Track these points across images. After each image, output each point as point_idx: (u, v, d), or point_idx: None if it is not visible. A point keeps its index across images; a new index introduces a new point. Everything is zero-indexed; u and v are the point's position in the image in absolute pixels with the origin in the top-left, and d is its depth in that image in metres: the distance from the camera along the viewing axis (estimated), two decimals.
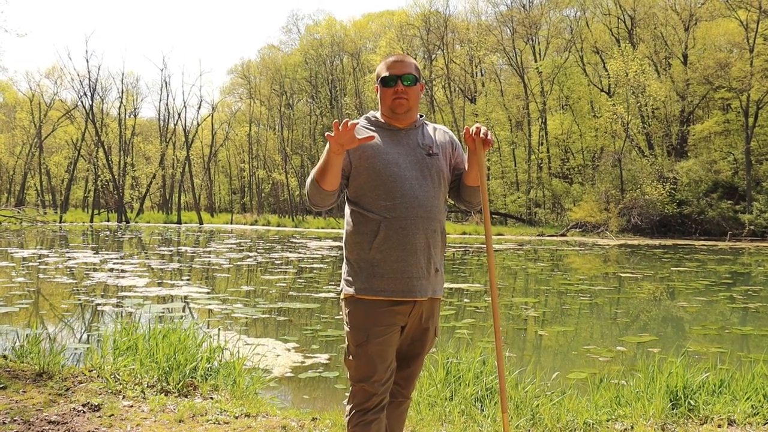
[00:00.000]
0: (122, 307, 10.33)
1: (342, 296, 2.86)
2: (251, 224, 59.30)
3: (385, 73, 2.85)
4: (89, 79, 62.63)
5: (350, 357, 2.81)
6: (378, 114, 2.93)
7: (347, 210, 2.87)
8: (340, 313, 2.90)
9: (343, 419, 2.89)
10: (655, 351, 7.55)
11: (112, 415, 4.25)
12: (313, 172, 2.71)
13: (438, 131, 3.01)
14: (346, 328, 2.83)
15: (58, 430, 3.94)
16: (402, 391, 3.00)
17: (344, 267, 2.87)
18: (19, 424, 3.98)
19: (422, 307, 2.83)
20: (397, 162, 2.79)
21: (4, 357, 5.72)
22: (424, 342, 2.93)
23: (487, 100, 56.33)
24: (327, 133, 2.59)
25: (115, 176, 64.76)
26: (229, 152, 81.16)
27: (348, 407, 2.83)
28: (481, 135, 2.81)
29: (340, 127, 2.54)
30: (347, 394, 2.86)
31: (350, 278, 2.80)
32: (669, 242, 33.38)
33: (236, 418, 4.34)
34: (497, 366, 2.98)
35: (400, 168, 2.79)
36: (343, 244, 2.91)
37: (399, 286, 2.74)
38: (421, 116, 2.97)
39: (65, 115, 68.01)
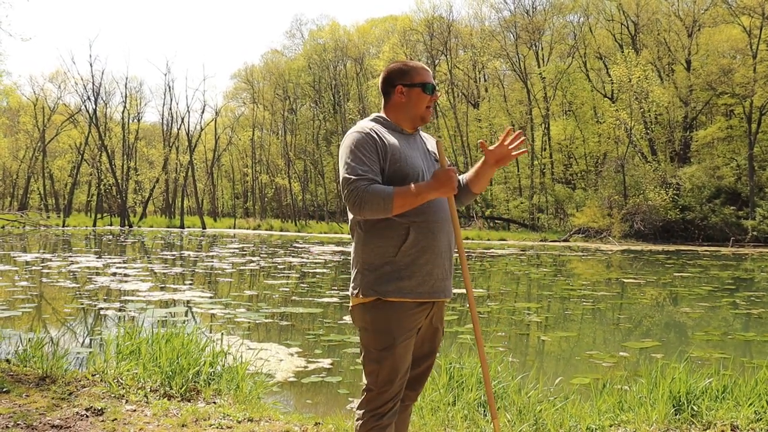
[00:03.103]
0: (125, 311, 10.34)
1: (360, 302, 2.80)
2: (254, 229, 59.35)
3: (429, 80, 2.86)
4: (93, 84, 62.86)
5: (373, 362, 2.77)
6: (386, 116, 2.92)
7: None
8: (357, 320, 2.82)
9: (354, 424, 2.86)
10: (658, 356, 7.55)
11: (115, 419, 4.25)
12: (392, 193, 2.62)
13: (431, 140, 3.07)
14: (366, 334, 2.79)
15: None
16: (410, 394, 3.00)
17: (360, 272, 2.80)
18: (22, 428, 3.98)
19: (435, 308, 2.87)
20: (420, 166, 2.82)
21: (8, 361, 5.73)
22: (434, 342, 2.96)
23: (490, 105, 56.38)
24: (453, 177, 2.64)
25: (119, 180, 64.85)
26: (232, 157, 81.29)
27: (360, 412, 2.80)
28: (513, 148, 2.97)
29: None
30: (352, 399, 2.85)
31: (371, 282, 2.75)
32: (672, 248, 33.34)
33: (239, 422, 4.34)
34: (483, 375, 2.97)
35: (424, 173, 2.81)
36: (357, 249, 2.84)
37: (426, 288, 2.76)
38: None
39: (69, 119, 68.12)
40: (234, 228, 61.64)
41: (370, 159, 2.71)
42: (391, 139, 2.80)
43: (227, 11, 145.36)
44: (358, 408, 2.84)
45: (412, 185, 2.65)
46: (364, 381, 2.83)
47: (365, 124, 2.84)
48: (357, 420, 2.82)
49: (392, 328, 2.74)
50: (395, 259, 2.73)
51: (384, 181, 2.73)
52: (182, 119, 71.24)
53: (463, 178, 3.15)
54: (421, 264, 2.74)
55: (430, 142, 3.05)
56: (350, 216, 2.83)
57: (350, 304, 2.90)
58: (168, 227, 62.14)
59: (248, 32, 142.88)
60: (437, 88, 2.89)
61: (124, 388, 4.93)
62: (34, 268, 17.52)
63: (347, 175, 2.67)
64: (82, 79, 66.37)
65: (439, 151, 2.78)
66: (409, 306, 2.75)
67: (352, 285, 2.86)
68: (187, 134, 67.02)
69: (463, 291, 13.90)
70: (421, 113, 2.87)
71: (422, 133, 3.05)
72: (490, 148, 2.97)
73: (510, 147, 2.97)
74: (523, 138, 3.12)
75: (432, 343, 2.96)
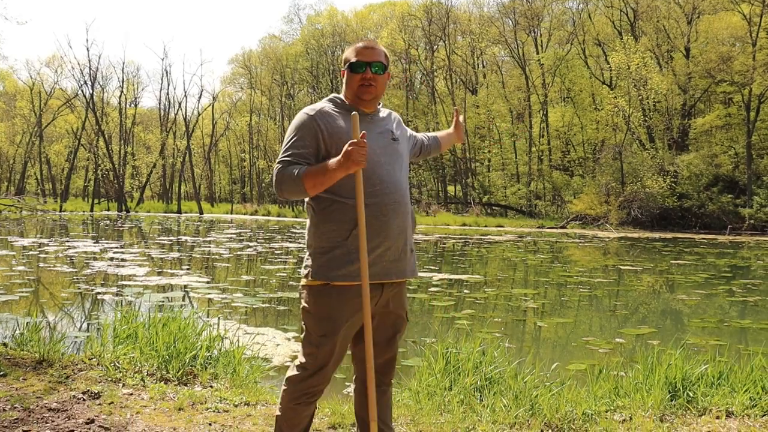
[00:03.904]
0: (122, 295, 10.34)
1: (308, 284, 2.81)
2: (251, 214, 59.30)
3: (353, 59, 2.82)
4: (90, 68, 62.56)
5: (312, 345, 2.79)
6: (342, 96, 2.91)
7: (316, 197, 2.79)
8: (303, 300, 2.85)
9: (280, 395, 2.92)
10: (654, 343, 7.57)
11: (112, 402, 4.25)
12: (302, 173, 2.63)
13: (393, 116, 3.05)
14: (309, 317, 2.80)
15: (58, 417, 3.95)
16: (384, 379, 3.02)
17: (312, 255, 2.81)
18: (19, 411, 3.99)
19: (390, 291, 2.85)
20: (372, 147, 2.77)
21: (5, 345, 5.73)
22: (397, 327, 2.95)
23: (489, 91, 56.24)
24: (353, 151, 2.55)
25: (116, 165, 64.70)
26: (230, 142, 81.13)
27: (291, 387, 2.85)
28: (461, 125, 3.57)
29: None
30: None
31: (322, 266, 2.75)
32: (669, 235, 33.38)
33: (236, 406, 4.35)
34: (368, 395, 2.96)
35: (376, 154, 2.79)
36: (309, 231, 2.84)
37: (377, 270, 2.75)
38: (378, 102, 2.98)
39: (65, 104, 67.90)
40: (231, 213, 61.58)
41: (304, 143, 2.73)
42: (338, 121, 2.79)
43: None
44: (289, 381, 2.87)
45: (323, 163, 2.64)
46: (301, 359, 2.85)
47: (315, 105, 2.85)
48: (284, 391, 2.88)
49: (335, 316, 2.75)
50: (346, 242, 2.72)
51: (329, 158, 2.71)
52: (179, 104, 71.25)
53: (438, 134, 3.49)
54: (373, 247, 2.73)
55: (395, 118, 3.05)
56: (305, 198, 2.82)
57: (300, 284, 2.89)
58: (165, 212, 62.06)
59: (246, 17, 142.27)
60: (372, 65, 2.80)
61: (121, 372, 4.94)
62: (31, 253, 17.50)
63: (278, 158, 2.75)
64: (78, 63, 66.47)
65: (353, 125, 2.70)
66: (357, 290, 2.73)
67: (303, 266, 2.86)
68: (185, 119, 66.85)
69: (460, 277, 13.96)
70: (355, 92, 2.83)
71: (386, 110, 3.04)
72: (461, 119, 3.54)
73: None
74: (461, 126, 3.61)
75: (394, 329, 2.95)
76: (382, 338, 2.94)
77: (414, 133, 3.29)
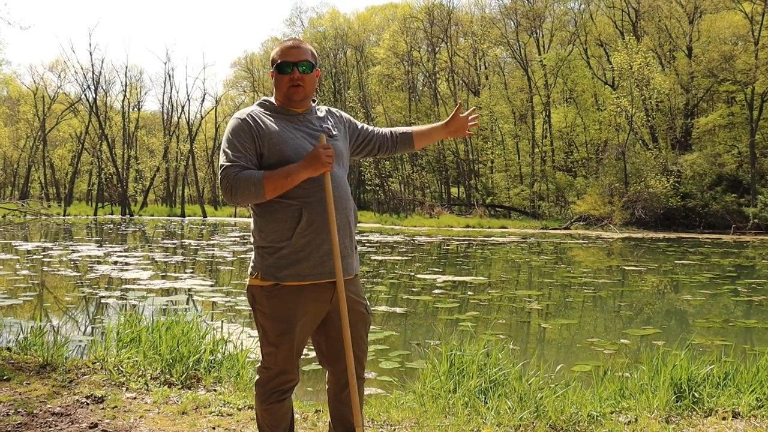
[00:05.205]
0: (126, 299, 10.34)
1: (258, 284, 2.80)
2: None
3: (280, 60, 2.82)
4: (93, 72, 62.71)
5: (272, 345, 2.80)
6: (273, 99, 2.92)
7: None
8: (255, 301, 2.84)
9: (255, 403, 2.94)
10: (659, 344, 7.54)
11: (116, 406, 4.25)
12: (261, 178, 2.64)
13: (330, 113, 3.03)
14: (264, 318, 2.81)
15: (62, 421, 3.94)
16: (358, 371, 3.00)
17: (259, 254, 2.81)
18: (22, 415, 3.98)
19: (345, 289, 2.83)
20: (304, 147, 2.78)
21: (8, 349, 5.73)
22: (359, 323, 2.92)
23: (491, 93, 56.18)
24: (321, 153, 2.62)
25: (119, 169, 64.77)
26: None
27: (261, 389, 2.87)
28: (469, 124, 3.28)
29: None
30: (256, 379, 2.91)
31: (270, 266, 2.75)
32: (673, 235, 33.32)
33: (239, 410, 4.34)
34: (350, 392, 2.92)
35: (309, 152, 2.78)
36: (254, 231, 2.85)
37: (326, 268, 2.75)
38: (314, 101, 2.97)
39: (69, 108, 67.98)
40: (235, 216, 61.54)
41: (244, 145, 2.72)
42: (270, 122, 2.79)
43: None
44: (257, 385, 2.89)
45: (285, 167, 2.66)
46: (262, 361, 2.87)
47: (245, 110, 2.86)
48: (256, 396, 2.90)
49: (290, 316, 2.75)
50: (291, 241, 2.72)
51: (265, 165, 2.73)
52: (182, 108, 71.08)
53: (410, 129, 3.30)
54: (318, 244, 2.73)
55: (334, 115, 3.03)
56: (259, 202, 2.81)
57: (247, 282, 2.89)
58: (169, 216, 62.07)
59: (248, 20, 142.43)
60: (299, 65, 2.80)
61: (124, 376, 4.93)
62: (35, 257, 17.52)
63: (221, 163, 2.72)
64: (81, 68, 66.45)
65: (320, 141, 2.75)
66: (309, 289, 2.75)
67: (251, 265, 2.86)
68: (188, 123, 66.89)
69: (464, 279, 13.93)
70: (285, 92, 2.84)
71: (324, 107, 3.02)
72: (461, 114, 3.24)
73: (468, 122, 3.27)
74: (476, 122, 3.34)
75: (356, 326, 2.91)
76: (352, 335, 2.90)
77: (369, 128, 3.25)
